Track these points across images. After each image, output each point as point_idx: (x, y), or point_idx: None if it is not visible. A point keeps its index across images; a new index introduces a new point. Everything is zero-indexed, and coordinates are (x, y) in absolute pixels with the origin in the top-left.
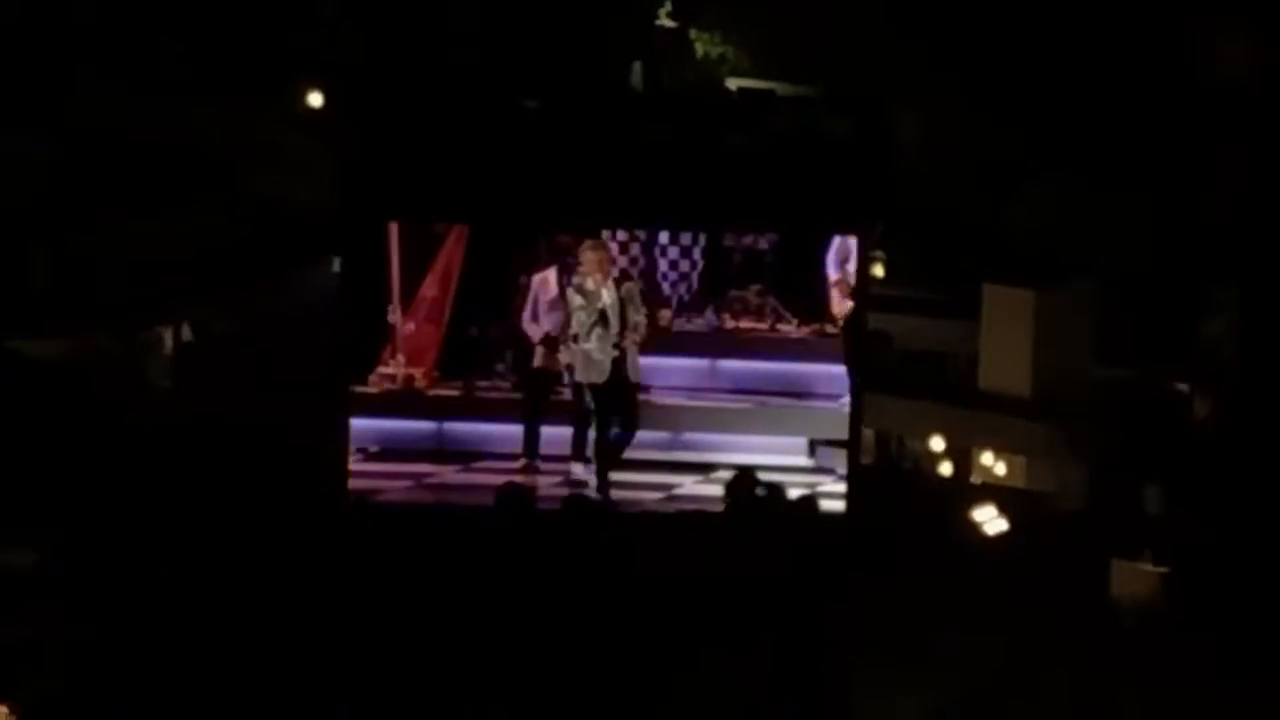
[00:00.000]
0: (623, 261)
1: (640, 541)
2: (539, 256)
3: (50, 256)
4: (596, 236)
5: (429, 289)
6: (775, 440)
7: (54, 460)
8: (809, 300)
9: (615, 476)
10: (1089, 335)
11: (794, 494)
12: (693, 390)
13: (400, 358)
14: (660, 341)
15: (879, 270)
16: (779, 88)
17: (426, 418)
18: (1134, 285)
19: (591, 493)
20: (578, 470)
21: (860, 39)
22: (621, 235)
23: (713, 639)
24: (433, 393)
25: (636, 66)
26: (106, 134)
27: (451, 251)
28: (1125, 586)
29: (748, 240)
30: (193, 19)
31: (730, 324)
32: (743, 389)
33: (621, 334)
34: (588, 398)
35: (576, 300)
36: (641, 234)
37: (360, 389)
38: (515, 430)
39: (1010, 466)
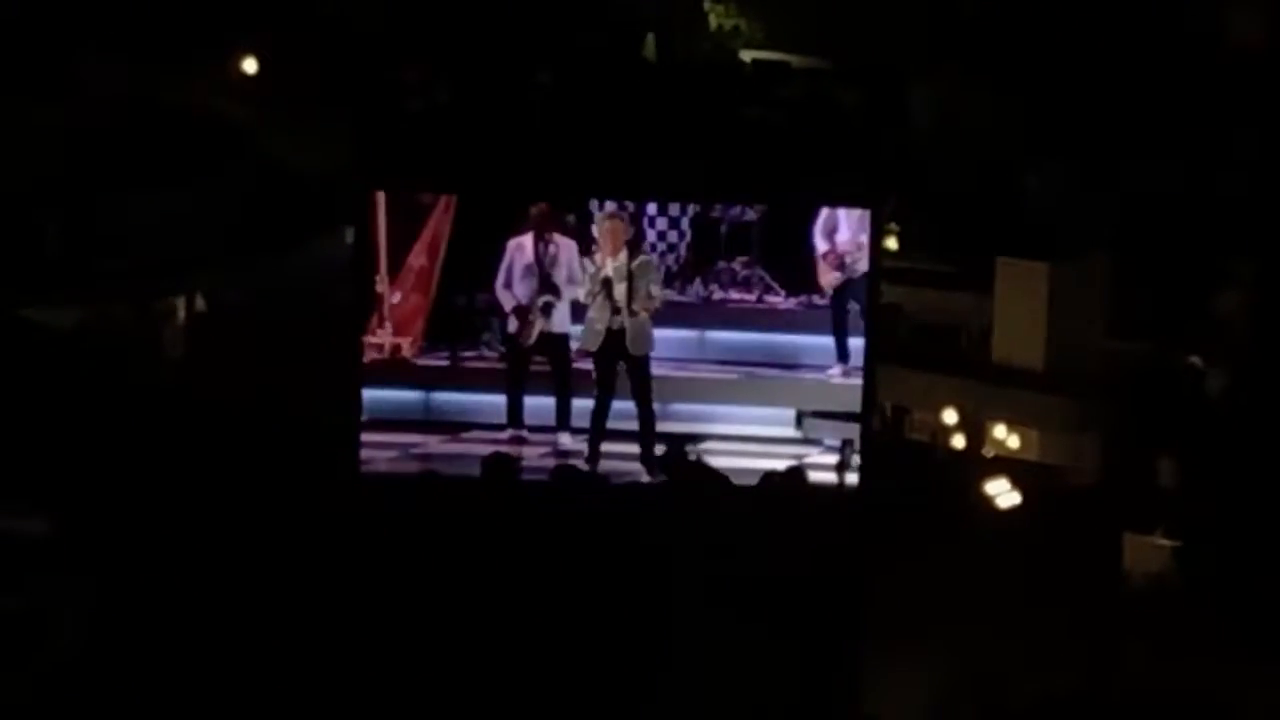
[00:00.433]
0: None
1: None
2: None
3: (63, 226)
4: (583, 207)
5: (416, 258)
6: (762, 411)
7: (66, 429)
8: (796, 271)
9: (603, 447)
10: (1102, 308)
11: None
12: (680, 361)
13: (388, 327)
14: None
15: (892, 242)
16: (793, 60)
17: (413, 387)
18: (1148, 258)
19: (580, 463)
20: (565, 440)
21: (874, 11)
22: (610, 206)
23: (713, 613)
24: (420, 362)
25: (650, 38)
26: (118, 102)
27: (439, 221)
28: (1138, 560)
29: (735, 211)
30: None
31: (718, 295)
32: (730, 360)
33: (629, 305)
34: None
35: (589, 269)
36: (630, 205)
37: None
38: (503, 400)
39: (1023, 439)
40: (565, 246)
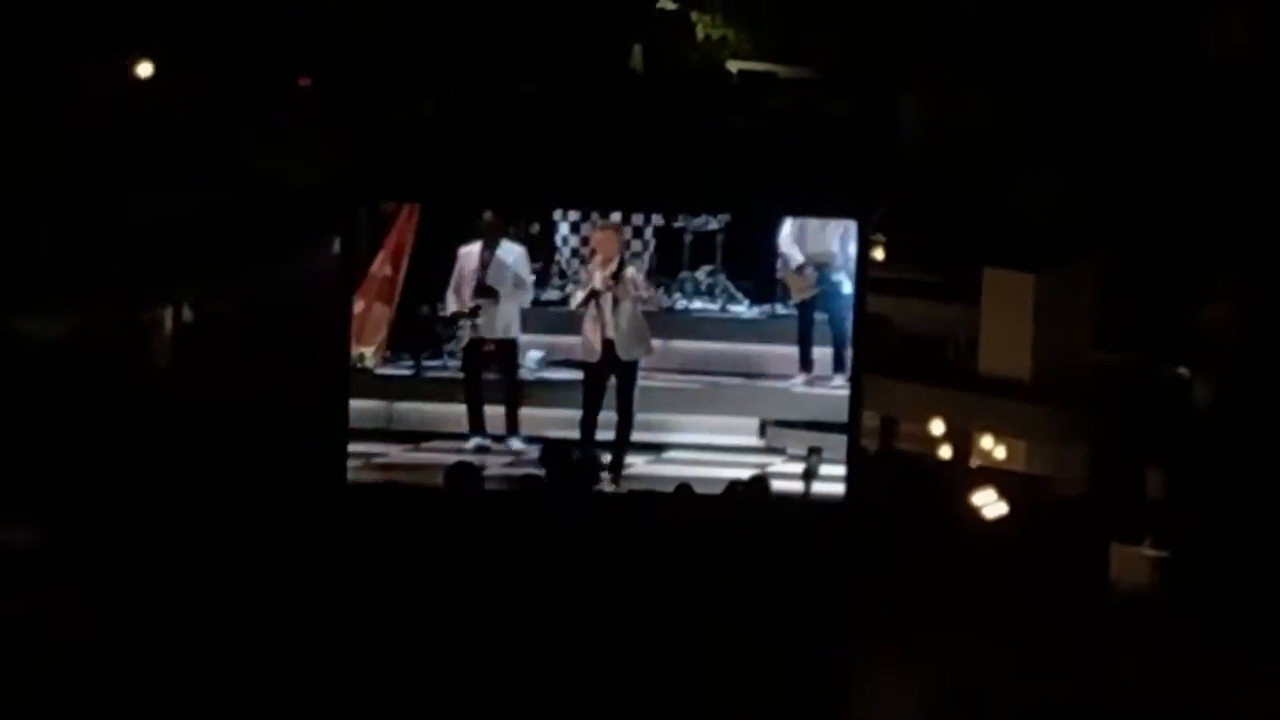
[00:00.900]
0: (574, 241)
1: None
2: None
3: (51, 234)
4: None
5: (380, 268)
6: (726, 420)
7: (55, 438)
8: (760, 281)
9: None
10: (1089, 319)
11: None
12: (644, 370)
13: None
14: None
15: (879, 253)
16: (780, 70)
17: (377, 397)
18: (1134, 268)
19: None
20: (516, 445)
21: (861, 21)
22: (574, 215)
23: (699, 621)
24: (383, 372)
25: (637, 49)
26: (108, 109)
27: (402, 230)
28: (1125, 571)
29: (699, 220)
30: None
31: (682, 304)
32: (694, 369)
33: (614, 315)
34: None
35: (584, 279)
36: (596, 215)
37: None
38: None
39: (1010, 450)
40: (512, 253)
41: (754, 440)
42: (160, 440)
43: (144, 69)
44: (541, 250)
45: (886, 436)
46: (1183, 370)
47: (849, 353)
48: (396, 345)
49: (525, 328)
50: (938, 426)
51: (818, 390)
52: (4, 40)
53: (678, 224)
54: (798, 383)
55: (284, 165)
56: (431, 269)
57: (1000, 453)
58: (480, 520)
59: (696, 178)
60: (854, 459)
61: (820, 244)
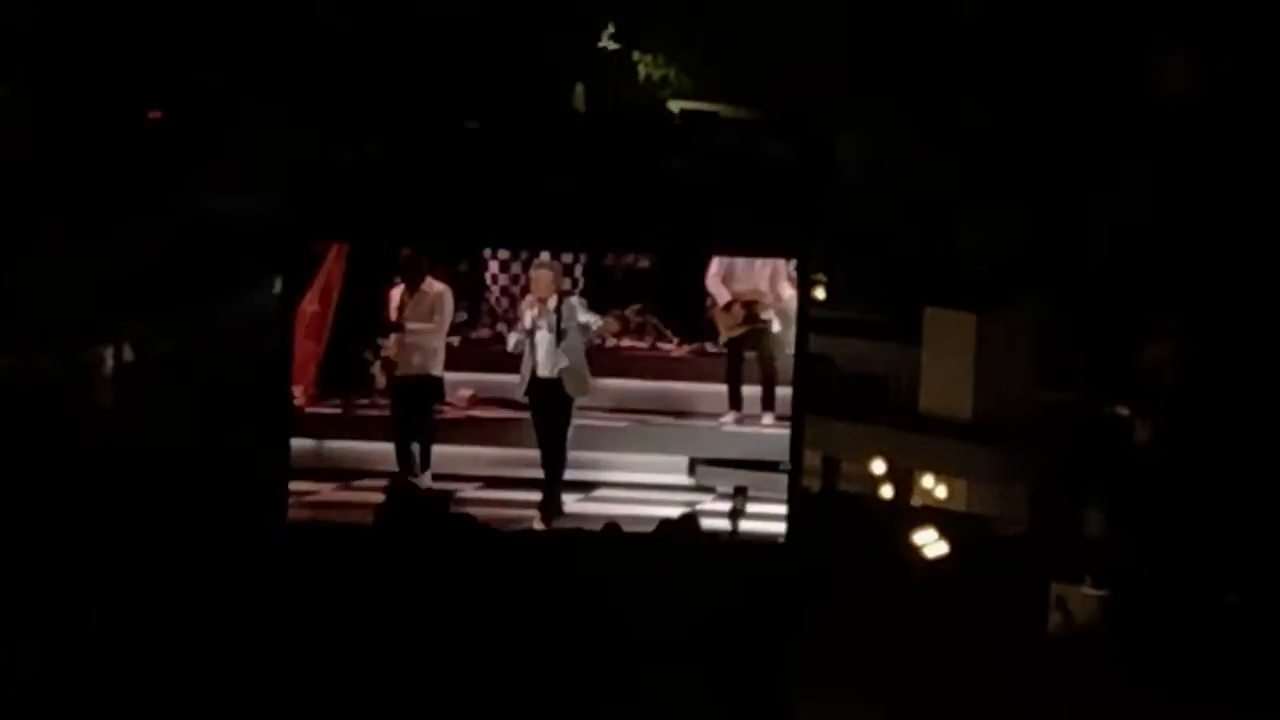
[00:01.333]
0: (504, 280)
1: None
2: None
3: None
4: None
5: (309, 304)
6: (655, 459)
7: None
8: (689, 319)
9: (494, 494)
10: (1030, 359)
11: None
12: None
13: None
14: None
15: (820, 293)
16: (722, 110)
17: (306, 435)
18: (1076, 309)
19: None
20: (427, 481)
21: (803, 63)
22: (503, 253)
23: (629, 660)
24: (312, 410)
25: (579, 88)
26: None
27: (331, 268)
28: (1065, 610)
29: (628, 259)
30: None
31: (610, 343)
32: (623, 408)
33: (555, 353)
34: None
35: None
36: (524, 253)
37: None
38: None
39: (951, 489)
40: (432, 292)
41: (683, 479)
42: (94, 482)
43: (68, 105)
44: (470, 289)
45: (828, 476)
46: (1123, 410)
47: (778, 391)
48: (325, 383)
49: (454, 365)
50: (879, 466)
51: (747, 429)
52: None
53: (607, 262)
54: (727, 421)
55: (223, 203)
56: (362, 307)
57: (941, 492)
58: (412, 559)
59: (637, 216)
60: (795, 498)
61: (748, 282)
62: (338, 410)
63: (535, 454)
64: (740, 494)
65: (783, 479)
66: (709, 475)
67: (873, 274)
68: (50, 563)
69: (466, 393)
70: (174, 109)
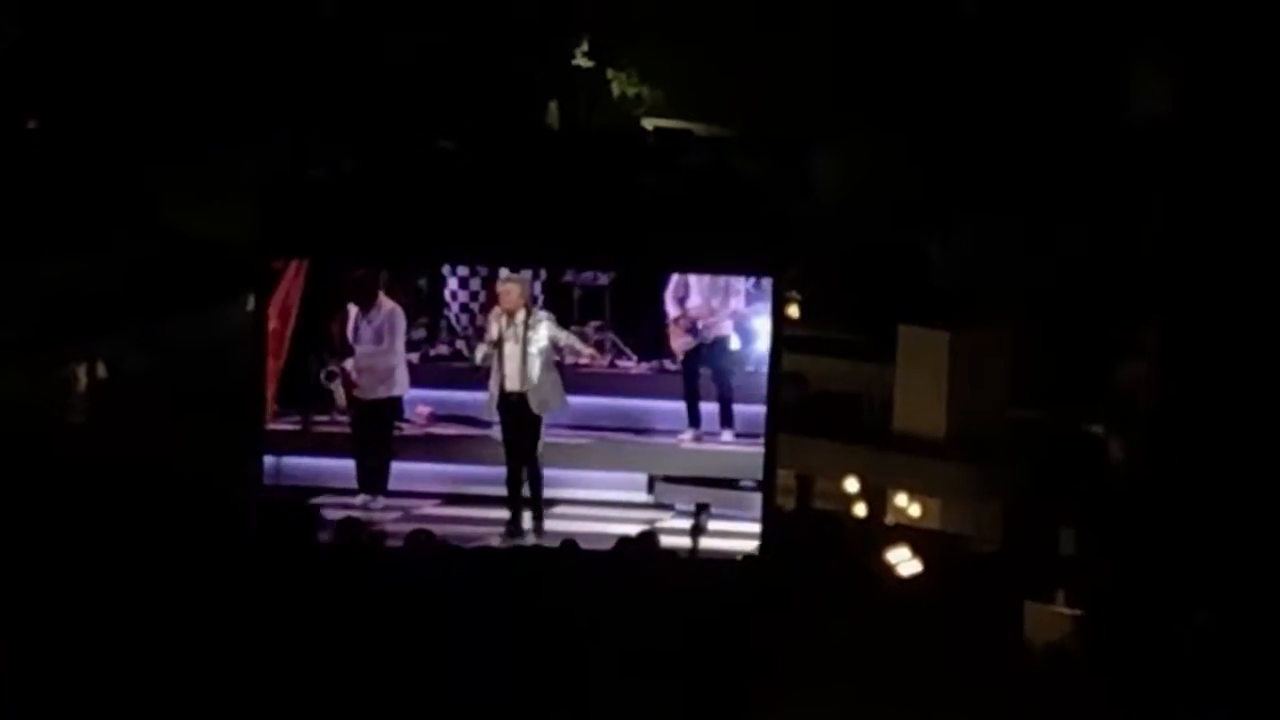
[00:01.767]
0: (463, 296)
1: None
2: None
3: None
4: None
5: (270, 321)
6: (614, 476)
7: None
8: (648, 336)
9: (454, 511)
10: (1004, 377)
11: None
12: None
13: None
14: None
15: (793, 310)
16: (696, 128)
17: (265, 451)
18: (1050, 327)
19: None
20: (363, 500)
21: (776, 80)
22: (462, 270)
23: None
24: (271, 427)
25: (553, 106)
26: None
27: (290, 285)
28: (1039, 629)
29: (587, 276)
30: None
31: (569, 359)
32: (582, 425)
33: (523, 368)
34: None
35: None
36: (483, 269)
37: None
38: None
39: (924, 508)
40: (383, 312)
41: (642, 496)
42: (65, 501)
43: (44, 125)
44: (429, 306)
45: (801, 494)
46: (1097, 428)
47: (737, 409)
48: (284, 400)
49: (413, 382)
50: (852, 484)
51: (706, 446)
52: None
53: (566, 278)
54: (686, 438)
55: (196, 221)
56: (320, 324)
57: (915, 510)
58: (366, 576)
59: (609, 233)
60: (769, 516)
61: (701, 298)
62: (297, 426)
63: (494, 471)
64: (702, 511)
65: (743, 496)
66: (668, 492)
67: (847, 292)
68: (23, 574)
69: (425, 409)
70: (148, 126)
